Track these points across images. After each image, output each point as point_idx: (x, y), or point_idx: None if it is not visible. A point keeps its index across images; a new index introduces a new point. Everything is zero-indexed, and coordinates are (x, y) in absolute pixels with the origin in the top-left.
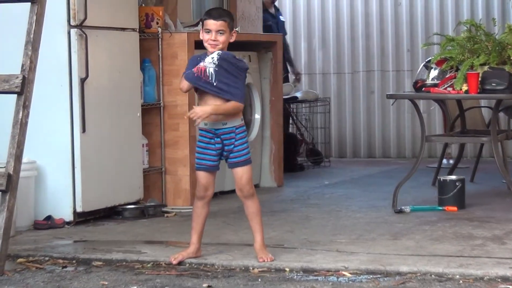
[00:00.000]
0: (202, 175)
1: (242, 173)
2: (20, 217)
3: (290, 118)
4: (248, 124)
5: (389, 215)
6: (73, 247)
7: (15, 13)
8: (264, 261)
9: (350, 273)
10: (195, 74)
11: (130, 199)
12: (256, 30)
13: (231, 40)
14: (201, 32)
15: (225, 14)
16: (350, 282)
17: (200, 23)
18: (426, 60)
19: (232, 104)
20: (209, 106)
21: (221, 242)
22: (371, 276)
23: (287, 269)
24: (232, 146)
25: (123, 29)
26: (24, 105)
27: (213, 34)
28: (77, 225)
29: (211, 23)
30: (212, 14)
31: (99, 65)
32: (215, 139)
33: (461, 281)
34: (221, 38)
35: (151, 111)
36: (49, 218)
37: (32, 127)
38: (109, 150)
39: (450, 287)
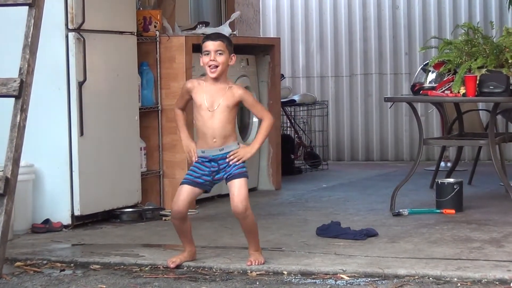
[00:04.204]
0: (185, 188)
1: (235, 189)
2: (18, 220)
3: (288, 121)
4: (246, 127)
5: (387, 218)
6: (71, 250)
7: (13, 17)
8: (251, 263)
9: (348, 276)
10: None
11: (128, 203)
12: (254, 34)
13: (231, 63)
14: (201, 59)
15: (223, 36)
16: (348, 285)
17: (200, 31)
18: (424, 63)
19: (266, 124)
20: (252, 146)
21: (219, 246)
22: (369, 279)
23: (285, 272)
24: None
25: (121, 32)
26: (22, 109)
27: (212, 54)
28: (75, 228)
29: (209, 44)
30: (210, 36)
31: (97, 69)
32: (212, 163)
33: (459, 284)
34: (220, 59)
35: (149, 115)
36: (47, 221)
37: (30, 130)
38: (107, 153)
39: None
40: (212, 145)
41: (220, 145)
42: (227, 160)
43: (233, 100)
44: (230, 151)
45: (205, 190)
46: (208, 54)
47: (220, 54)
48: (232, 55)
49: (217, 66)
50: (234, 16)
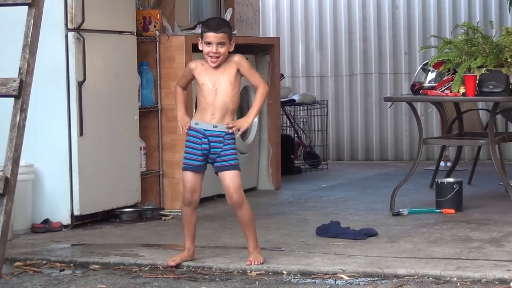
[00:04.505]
0: (188, 176)
1: (229, 180)
2: (17, 220)
3: (288, 121)
4: None
5: (386, 218)
6: (70, 250)
7: (12, 16)
8: (251, 263)
9: (347, 276)
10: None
11: (127, 202)
12: (253, 33)
13: (231, 50)
14: (199, 43)
15: (224, 25)
16: (348, 285)
17: (200, 31)
18: (424, 63)
19: (261, 92)
20: (249, 116)
21: (219, 245)
22: (369, 278)
23: (285, 272)
24: (220, 150)
25: (120, 32)
26: (21, 109)
27: (214, 47)
28: (74, 228)
29: (212, 36)
30: (212, 26)
31: (96, 69)
32: (203, 139)
33: (458, 284)
34: (222, 50)
35: (149, 114)
36: (46, 221)
37: (30, 130)
38: (107, 153)
39: None
40: (208, 120)
41: (216, 122)
42: (226, 127)
43: (232, 70)
44: (223, 131)
45: (204, 170)
46: (209, 44)
47: (222, 46)
48: (232, 41)
49: (218, 57)
50: (227, 14)
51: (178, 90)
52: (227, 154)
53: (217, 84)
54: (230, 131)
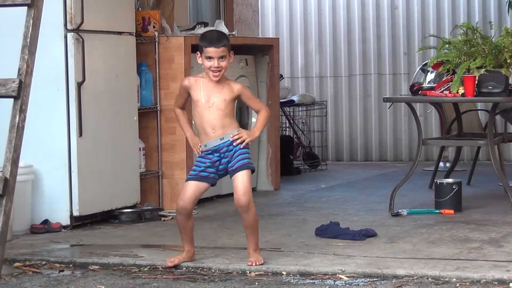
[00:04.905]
0: (190, 184)
1: (238, 181)
2: (16, 221)
3: (287, 122)
4: (245, 127)
5: (386, 218)
6: (70, 251)
7: (11, 17)
8: (252, 264)
9: (347, 277)
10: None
11: (127, 203)
12: (252, 34)
13: (230, 61)
14: (198, 57)
15: (224, 37)
16: (347, 285)
17: (198, 31)
18: (423, 64)
19: (264, 115)
20: (254, 131)
21: (218, 246)
22: (368, 279)
23: (284, 273)
24: (232, 152)
25: (119, 33)
26: (20, 109)
27: (216, 61)
28: (74, 229)
29: (213, 51)
30: (212, 41)
31: (95, 69)
32: (214, 153)
33: (457, 284)
34: (223, 63)
35: (148, 115)
36: (46, 222)
37: (29, 131)
38: (106, 154)
39: None
40: (212, 136)
41: (220, 134)
42: (231, 139)
43: (231, 94)
44: (229, 140)
45: (211, 183)
46: (210, 59)
47: (223, 59)
48: (231, 52)
49: (220, 71)
50: (220, 26)
51: (177, 112)
52: (238, 154)
53: (211, 101)
54: (234, 144)
